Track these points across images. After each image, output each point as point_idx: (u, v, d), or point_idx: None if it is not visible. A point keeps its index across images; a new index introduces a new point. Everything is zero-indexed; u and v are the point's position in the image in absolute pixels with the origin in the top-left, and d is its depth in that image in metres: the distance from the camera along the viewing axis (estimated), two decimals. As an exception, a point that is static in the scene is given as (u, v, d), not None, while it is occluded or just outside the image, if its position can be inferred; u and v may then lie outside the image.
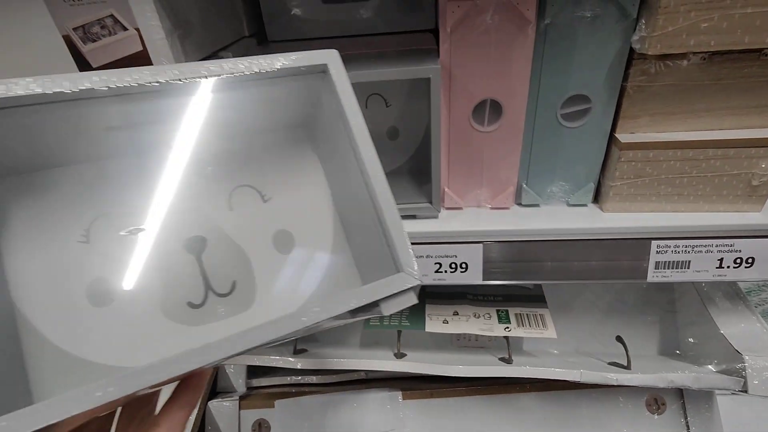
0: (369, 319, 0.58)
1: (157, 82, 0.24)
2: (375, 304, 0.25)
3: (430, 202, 0.48)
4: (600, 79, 0.43)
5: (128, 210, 0.28)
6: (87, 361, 0.25)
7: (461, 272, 0.48)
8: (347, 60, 0.45)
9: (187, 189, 0.30)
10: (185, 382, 0.28)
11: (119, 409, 0.29)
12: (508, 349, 0.55)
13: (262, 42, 0.60)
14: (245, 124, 0.31)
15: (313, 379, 0.63)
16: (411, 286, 0.26)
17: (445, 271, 0.49)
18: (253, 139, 0.32)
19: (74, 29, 0.39)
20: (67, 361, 0.25)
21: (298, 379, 0.63)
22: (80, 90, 0.23)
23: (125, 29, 0.39)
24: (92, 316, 0.26)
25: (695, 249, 0.45)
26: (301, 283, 0.31)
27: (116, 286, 0.27)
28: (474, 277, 0.48)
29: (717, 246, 0.45)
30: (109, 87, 0.23)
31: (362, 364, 0.56)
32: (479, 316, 0.56)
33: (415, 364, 0.55)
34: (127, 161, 0.29)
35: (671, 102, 0.44)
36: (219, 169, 0.31)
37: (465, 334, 0.62)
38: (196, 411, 0.29)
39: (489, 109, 0.45)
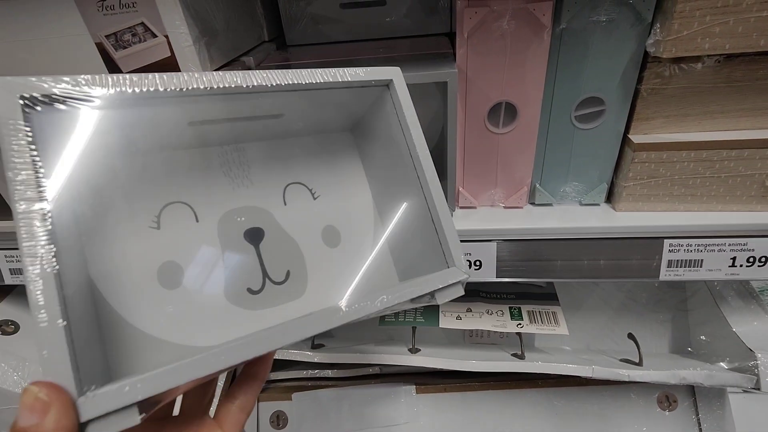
0: (384, 315, 0.60)
1: (249, 85, 0.27)
2: (430, 294, 0.29)
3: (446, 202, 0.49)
4: (614, 82, 0.44)
5: (196, 200, 0.30)
6: (157, 338, 0.27)
7: (475, 270, 0.50)
8: (365, 63, 0.47)
9: (247, 183, 0.32)
10: (256, 360, 0.30)
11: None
12: (520, 345, 0.56)
13: (281, 47, 0.62)
14: (300, 125, 0.34)
15: (329, 373, 0.65)
16: (461, 279, 0.30)
17: (460, 269, 0.50)
18: (306, 140, 0.35)
19: (107, 36, 0.41)
20: (139, 338, 0.27)
21: (315, 372, 0.65)
22: (188, 89, 0.25)
23: (155, 36, 0.41)
24: (163, 297, 0.28)
25: (708, 248, 0.46)
26: (346, 274, 0.34)
27: (184, 270, 0.29)
28: (488, 274, 0.49)
29: (730, 245, 0.45)
30: (211, 87, 0.26)
31: (377, 359, 0.58)
32: (492, 313, 0.58)
33: (429, 359, 0.56)
34: (197, 153, 0.31)
35: (685, 104, 0.44)
36: (275, 166, 0.34)
37: (478, 330, 0.64)
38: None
39: (504, 112, 0.46)
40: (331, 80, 0.30)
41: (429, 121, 0.53)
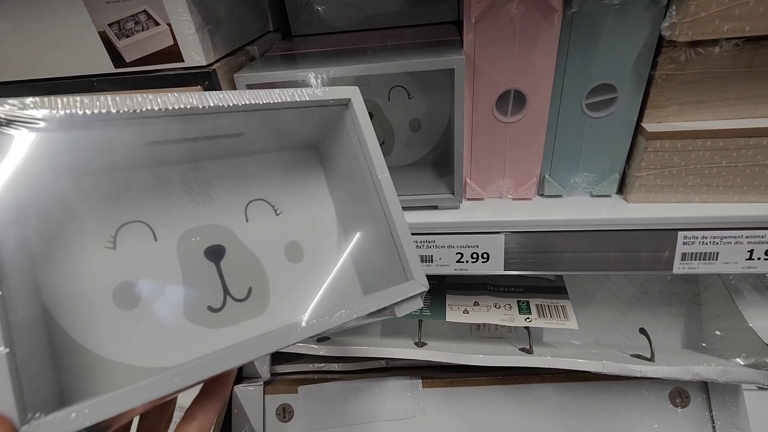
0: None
1: (205, 106, 0.27)
2: (390, 308, 0.29)
3: (452, 193, 0.49)
4: (627, 68, 0.42)
5: (154, 219, 0.30)
6: (113, 361, 0.27)
7: (483, 262, 0.49)
8: (371, 52, 0.46)
9: (208, 201, 0.32)
10: (209, 388, 0.29)
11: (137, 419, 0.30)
12: (529, 339, 0.55)
13: (286, 36, 0.61)
14: (261, 144, 0.34)
15: (335, 366, 0.64)
16: (419, 291, 0.30)
17: (467, 261, 0.49)
18: (268, 157, 0.35)
19: (109, 25, 0.41)
20: (94, 362, 0.26)
21: (321, 366, 0.65)
22: (142, 111, 0.25)
23: (157, 24, 0.40)
24: (119, 318, 0.28)
25: (724, 240, 0.44)
26: (309, 290, 0.34)
27: (141, 290, 0.29)
28: (495, 267, 0.49)
29: (747, 237, 0.44)
30: (165, 109, 0.26)
31: (383, 352, 0.57)
32: (500, 307, 0.57)
33: (435, 352, 0.55)
34: (155, 173, 0.31)
35: (702, 90, 0.43)
36: (237, 183, 0.34)
37: (485, 324, 0.63)
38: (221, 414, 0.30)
39: (512, 100, 0.45)
40: (288, 100, 0.30)
41: (435, 111, 0.52)
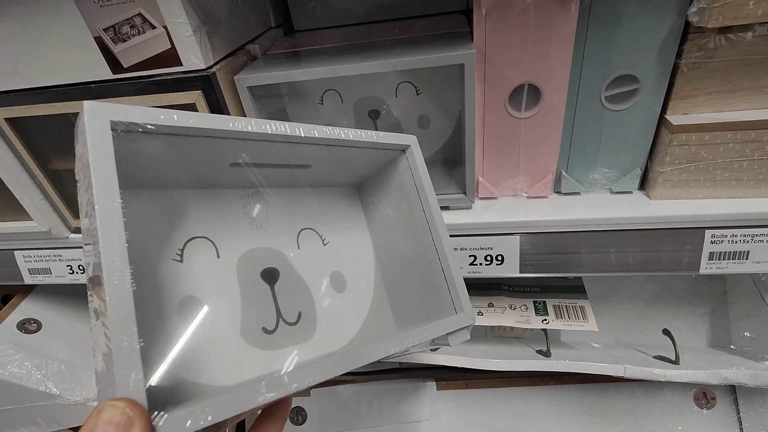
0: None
1: (285, 134, 0.29)
2: (439, 338, 0.31)
3: (464, 193, 0.47)
4: (650, 57, 0.40)
5: (218, 236, 0.31)
6: (179, 378, 0.27)
7: (497, 265, 0.47)
8: (377, 47, 0.44)
9: (265, 225, 0.34)
10: (273, 407, 0.31)
11: None
12: (546, 342, 0.53)
13: (288, 32, 0.59)
14: (322, 176, 0.37)
15: (348, 368, 0.64)
16: (467, 324, 0.32)
17: (480, 264, 0.47)
18: (320, 190, 0.38)
19: (105, 30, 0.39)
20: (163, 376, 0.27)
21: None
22: (225, 129, 0.26)
23: (153, 27, 0.39)
24: (182, 330, 0.28)
25: (755, 238, 0.42)
26: (350, 320, 0.35)
27: (203, 305, 0.29)
28: (510, 269, 0.47)
29: (781, 235, 0.41)
30: (246, 130, 0.27)
31: (400, 356, 0.56)
32: (515, 308, 0.55)
33: (450, 356, 0.54)
34: (222, 193, 0.33)
35: (732, 79, 0.40)
36: (291, 212, 0.36)
37: (501, 325, 0.61)
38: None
39: (527, 94, 0.42)
40: (355, 139, 0.32)
41: (445, 107, 0.50)
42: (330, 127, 0.31)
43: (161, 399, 0.23)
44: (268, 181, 0.34)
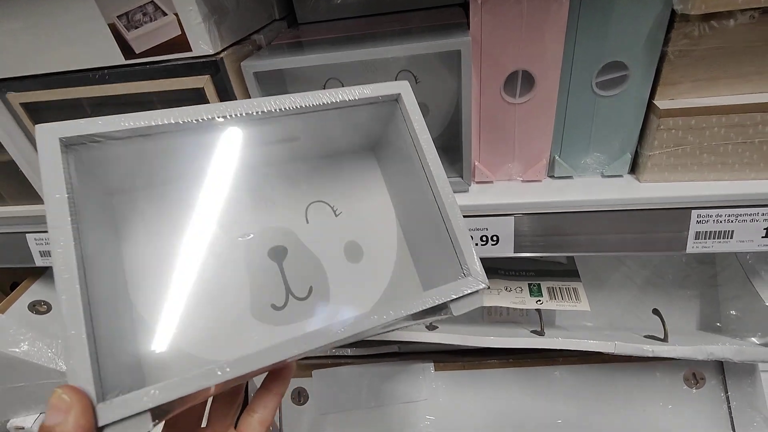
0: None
1: (259, 111, 0.28)
2: (444, 306, 0.28)
3: (461, 177, 0.49)
4: (638, 44, 0.41)
5: (224, 221, 0.33)
6: (190, 354, 0.29)
7: (492, 245, 0.49)
8: (377, 37, 0.46)
9: (271, 204, 0.34)
10: (274, 375, 0.32)
11: (210, 401, 0.32)
12: (540, 322, 0.55)
13: (292, 24, 0.61)
14: (318, 146, 0.35)
15: (349, 351, 0.65)
16: (479, 288, 0.28)
17: (477, 244, 0.49)
18: (327, 160, 0.37)
19: (119, 17, 0.41)
20: (173, 353, 0.29)
21: (335, 350, 0.66)
22: (205, 119, 0.27)
23: (165, 15, 0.41)
24: (194, 312, 0.30)
25: (739, 218, 0.43)
26: (369, 289, 0.34)
27: (215, 286, 0.31)
28: (505, 249, 0.49)
29: (763, 215, 0.43)
30: (226, 117, 0.27)
31: (396, 336, 0.58)
32: (511, 290, 0.57)
33: (446, 335, 0.56)
34: (226, 177, 0.33)
35: (716, 66, 0.42)
36: (297, 186, 0.35)
37: (497, 308, 0.63)
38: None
39: (521, 81, 0.44)
40: (335, 101, 0.30)
41: (443, 95, 0.52)
42: (295, 95, 0.29)
43: (155, 374, 0.26)
44: (263, 159, 0.34)
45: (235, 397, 0.32)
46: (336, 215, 0.36)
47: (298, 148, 0.34)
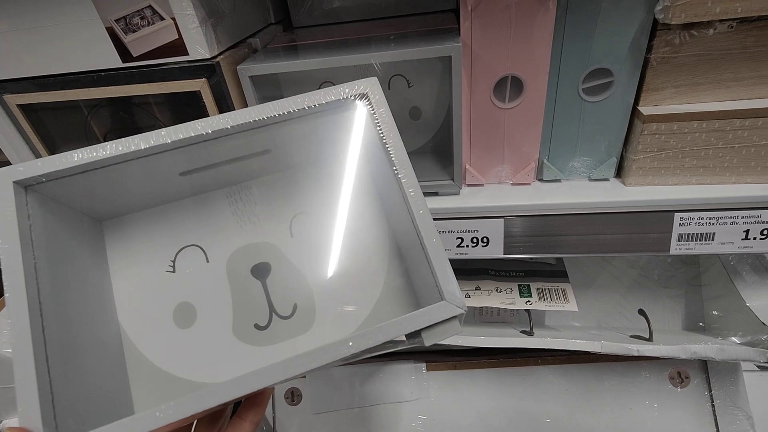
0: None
1: (209, 131, 0.27)
2: (416, 334, 0.25)
3: (452, 179, 0.50)
4: (623, 51, 0.43)
5: (206, 241, 0.32)
6: (174, 376, 0.29)
7: (483, 247, 0.50)
8: (371, 42, 0.47)
9: (254, 220, 0.33)
10: (250, 400, 0.31)
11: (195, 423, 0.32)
12: (529, 322, 0.56)
13: (287, 28, 0.62)
14: (296, 155, 0.34)
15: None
16: (454, 315, 0.25)
17: (467, 246, 0.50)
18: (311, 170, 0.35)
19: (116, 21, 0.42)
20: (158, 375, 0.29)
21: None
22: (153, 146, 0.27)
23: (162, 19, 0.41)
24: (178, 336, 0.30)
25: (720, 221, 0.45)
26: (357, 305, 0.32)
27: (197, 310, 0.31)
28: (495, 251, 0.50)
29: (743, 217, 0.44)
30: (172, 140, 0.27)
31: (388, 337, 0.59)
32: (501, 291, 0.58)
33: (438, 336, 0.57)
34: (203, 198, 0.33)
35: (697, 73, 0.43)
36: (280, 199, 0.34)
37: (487, 309, 0.64)
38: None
39: (510, 86, 0.45)
40: (296, 109, 0.28)
41: (435, 99, 0.53)
42: (253, 108, 0.28)
43: (142, 397, 0.26)
44: (242, 175, 0.33)
45: (216, 421, 0.32)
46: (322, 227, 0.34)
47: (276, 158, 0.33)
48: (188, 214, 0.32)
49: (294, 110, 0.28)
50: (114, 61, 0.44)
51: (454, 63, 0.42)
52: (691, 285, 0.60)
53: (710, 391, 0.57)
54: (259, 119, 0.28)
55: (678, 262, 0.62)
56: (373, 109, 0.30)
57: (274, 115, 0.28)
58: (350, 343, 0.24)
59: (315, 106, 0.29)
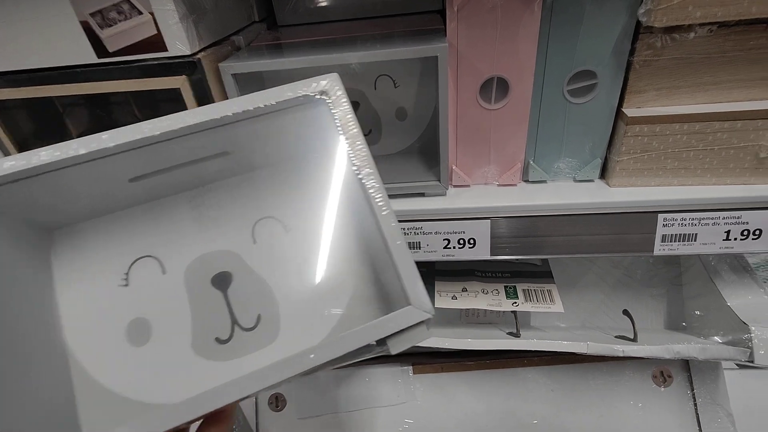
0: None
1: (156, 134, 0.26)
2: (380, 342, 0.24)
3: (439, 180, 0.49)
4: (606, 54, 0.43)
5: (163, 250, 0.30)
6: (126, 398, 0.27)
7: (469, 248, 0.50)
8: (356, 41, 0.46)
9: (215, 225, 0.31)
10: (212, 418, 0.29)
11: None
12: (516, 323, 0.56)
13: (272, 26, 0.61)
14: (258, 156, 0.32)
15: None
16: (421, 320, 0.24)
17: (454, 247, 0.50)
18: (273, 170, 0.33)
19: (92, 15, 0.40)
20: (109, 398, 0.27)
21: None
22: (93, 151, 0.25)
23: (140, 14, 0.40)
24: (131, 355, 0.28)
25: (702, 222, 0.45)
26: (324, 314, 0.30)
27: (152, 325, 0.29)
28: (482, 252, 0.49)
29: (724, 218, 0.45)
30: (115, 144, 0.25)
31: (374, 340, 0.58)
32: (487, 292, 0.58)
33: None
34: (159, 204, 0.31)
35: (678, 76, 0.44)
36: (243, 203, 0.32)
37: (474, 310, 0.64)
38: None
39: (496, 87, 0.45)
40: (251, 108, 0.27)
41: (421, 99, 0.53)
42: (203, 108, 0.26)
43: (91, 423, 0.24)
44: (200, 179, 0.31)
45: None
46: (287, 231, 0.32)
47: (236, 160, 0.31)
48: (143, 222, 0.30)
49: (249, 109, 0.27)
50: (89, 56, 0.42)
51: (441, 63, 0.42)
52: (672, 284, 0.61)
53: (692, 389, 0.58)
54: (212, 119, 0.26)
55: (660, 262, 0.63)
56: (333, 107, 0.28)
57: (228, 115, 0.26)
58: (312, 356, 0.23)
59: (271, 104, 0.27)
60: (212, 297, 0.30)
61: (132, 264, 0.30)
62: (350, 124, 0.28)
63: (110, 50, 0.42)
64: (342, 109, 0.28)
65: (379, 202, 0.27)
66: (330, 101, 0.28)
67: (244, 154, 0.31)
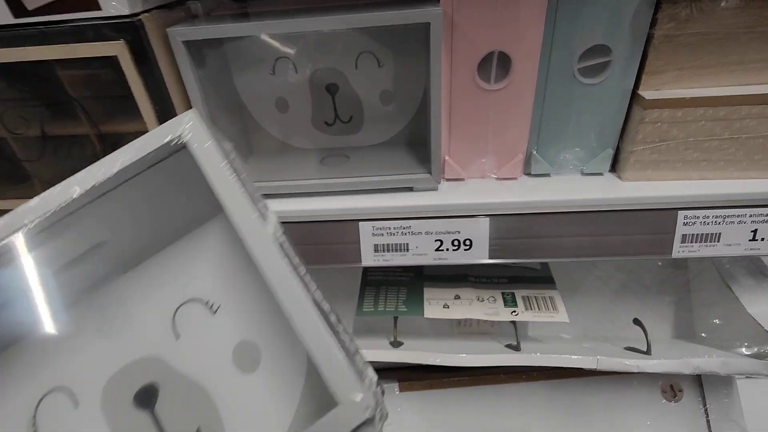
0: (362, 304, 0.53)
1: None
2: None
3: (429, 173, 0.43)
4: (623, 27, 0.38)
5: (72, 378, 0.25)
6: None
7: (465, 250, 0.43)
8: (336, 9, 0.39)
9: (127, 329, 0.26)
10: None
11: None
12: (515, 334, 0.50)
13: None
14: (159, 231, 0.27)
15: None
16: (360, 422, 0.18)
17: (447, 249, 0.43)
18: (180, 245, 0.27)
19: (4, -37, 0.33)
20: None
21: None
22: None
23: (66, -37, 0.33)
24: None
25: (727, 219, 0.40)
26: (275, 408, 0.25)
27: None
28: (479, 255, 0.43)
29: (751, 216, 0.40)
30: None
31: (356, 355, 0.51)
32: (483, 300, 0.52)
33: (412, 353, 0.50)
34: (50, 326, 0.25)
35: (701, 54, 0.39)
36: (155, 292, 0.26)
37: (467, 319, 0.57)
38: None
39: (496, 63, 0.39)
40: (103, 178, 0.22)
41: (409, 80, 0.46)
42: (48, 193, 0.22)
43: None
44: (91, 280, 0.26)
45: None
46: (214, 312, 0.26)
47: (123, 245, 0.26)
48: (41, 351, 0.25)
49: (102, 180, 0.22)
50: (3, 16, 0.34)
51: (433, 33, 0.35)
52: (681, 290, 0.56)
53: (705, 404, 0.53)
54: (56, 209, 0.21)
55: (668, 265, 0.58)
56: (196, 158, 0.23)
57: (74, 198, 0.21)
58: None
59: (124, 167, 0.22)
60: (137, 419, 0.25)
61: (38, 404, 0.24)
62: (219, 171, 0.23)
63: (29, 8, 0.34)
64: (205, 157, 0.23)
65: (267, 261, 0.21)
66: (191, 152, 0.23)
67: (128, 235, 0.26)
